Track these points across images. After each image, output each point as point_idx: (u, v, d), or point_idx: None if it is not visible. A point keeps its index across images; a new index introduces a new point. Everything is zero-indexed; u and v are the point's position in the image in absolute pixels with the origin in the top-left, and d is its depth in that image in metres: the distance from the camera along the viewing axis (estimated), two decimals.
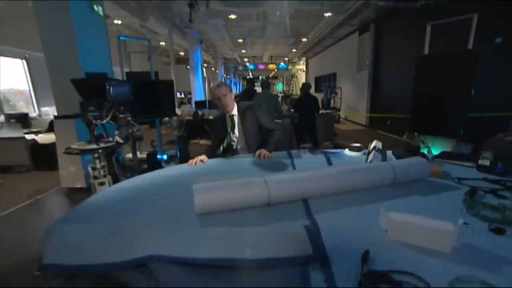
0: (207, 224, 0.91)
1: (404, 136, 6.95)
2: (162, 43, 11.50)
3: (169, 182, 1.36)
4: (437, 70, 3.30)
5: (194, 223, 0.91)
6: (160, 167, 3.92)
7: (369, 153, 1.66)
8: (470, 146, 4.04)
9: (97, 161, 2.47)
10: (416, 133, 3.66)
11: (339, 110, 10.93)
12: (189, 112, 8.03)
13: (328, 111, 8.12)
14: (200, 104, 8.00)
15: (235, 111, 2.02)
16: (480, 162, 1.43)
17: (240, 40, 11.95)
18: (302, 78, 23.18)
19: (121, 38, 3.74)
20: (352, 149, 1.87)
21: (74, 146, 2.35)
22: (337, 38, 11.32)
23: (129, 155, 5.08)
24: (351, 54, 10.16)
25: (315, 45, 13.36)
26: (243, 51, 15.36)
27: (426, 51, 3.54)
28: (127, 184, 1.38)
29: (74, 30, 3.25)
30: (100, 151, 2.39)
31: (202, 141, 6.74)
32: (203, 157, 1.78)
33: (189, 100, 11.63)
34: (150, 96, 3.79)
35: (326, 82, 14.19)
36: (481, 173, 1.41)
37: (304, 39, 11.82)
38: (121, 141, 2.50)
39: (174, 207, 1.04)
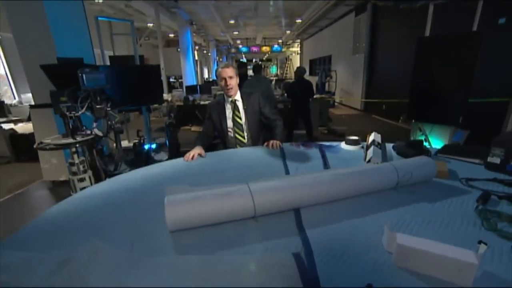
0: (180, 248, 0.76)
1: (400, 121, 6.86)
2: (150, 25, 10.91)
3: (145, 187, 1.20)
4: (438, 54, 3.12)
5: (164, 246, 0.77)
6: (148, 157, 3.75)
7: (367, 148, 1.52)
8: (466, 132, 3.96)
9: (75, 155, 2.28)
10: (413, 120, 3.53)
11: (334, 94, 10.73)
12: (180, 97, 7.75)
13: (323, 95, 7.93)
14: (191, 89, 7.70)
15: (238, 97, 1.89)
16: (489, 159, 1.30)
17: (232, 21, 11.42)
18: (296, 61, 22.69)
19: (100, 18, 3.41)
20: (349, 142, 1.73)
21: (48, 140, 2.16)
22: (332, 19, 10.91)
23: None
24: (347, 36, 9.83)
25: (310, 27, 12.89)
26: (235, 32, 14.79)
27: (427, 33, 3.34)
28: (99, 188, 1.22)
29: (44, 11, 2.93)
30: (77, 145, 2.20)
31: (193, 128, 6.54)
32: (200, 150, 1.62)
33: (181, 85, 11.24)
34: (135, 82, 3.54)
35: (321, 65, 13.86)
36: (490, 171, 1.29)
37: (299, 20, 11.37)
38: (100, 133, 2.31)
39: (144, 224, 0.89)
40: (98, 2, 6.72)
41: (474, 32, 2.98)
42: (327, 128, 6.57)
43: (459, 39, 3.01)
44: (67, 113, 2.11)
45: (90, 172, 2.45)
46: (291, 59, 24.11)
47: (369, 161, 1.34)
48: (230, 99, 1.87)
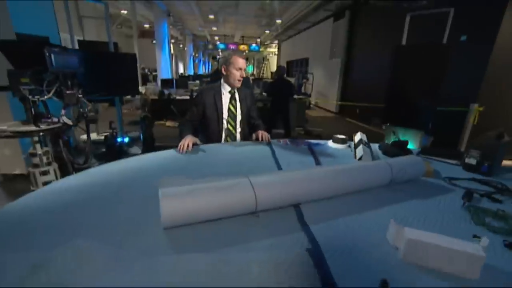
0: (178, 247, 0.69)
1: (371, 125, 7.21)
2: (124, 12, 10.28)
3: (125, 181, 1.09)
4: (412, 62, 3.31)
5: (159, 244, 0.69)
6: (121, 151, 3.51)
7: (356, 146, 1.55)
8: (431, 138, 4.27)
9: (38, 145, 2.05)
10: (388, 124, 3.71)
11: (310, 96, 10.99)
12: (154, 91, 7.41)
13: (300, 96, 8.06)
14: (166, 83, 7.40)
15: (235, 89, 1.84)
16: (466, 160, 1.39)
17: (212, 16, 11.19)
18: (273, 62, 22.94)
19: None
20: (336, 141, 1.74)
21: (3, 127, 1.90)
22: (311, 23, 11.16)
23: (84, 136, 4.50)
24: (325, 40, 10.11)
25: (289, 28, 13.08)
26: (214, 28, 14.55)
27: (404, 42, 3.54)
28: (69, 182, 1.09)
29: None
30: (41, 134, 1.97)
31: (168, 123, 6.28)
32: (194, 139, 1.54)
33: (154, 78, 10.76)
34: (107, 71, 3.28)
35: (298, 67, 14.11)
36: (466, 172, 1.38)
37: (279, 21, 11.48)
38: (69, 122, 2.09)
39: (131, 221, 0.79)
40: None
41: (442, 44, 3.21)
42: (304, 129, 6.70)
43: (430, 49, 3.21)
44: (30, 97, 1.87)
45: (55, 165, 2.22)
46: (268, 59, 24.30)
47: (360, 159, 1.36)
48: (229, 88, 1.80)
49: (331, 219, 0.86)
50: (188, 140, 1.47)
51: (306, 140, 1.81)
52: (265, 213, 0.86)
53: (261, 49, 22.01)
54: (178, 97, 6.95)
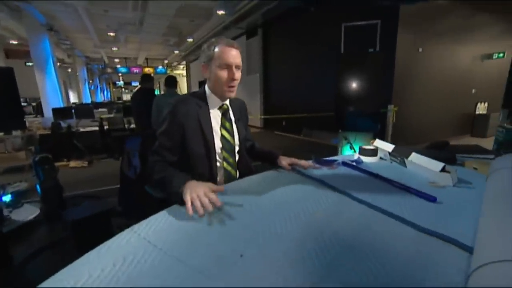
0: None
1: (302, 135, 7.53)
2: None
3: None
4: (353, 68, 3.48)
5: None
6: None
7: (404, 155, 1.24)
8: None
9: None
10: (340, 131, 3.77)
11: None
12: (43, 124, 5.61)
13: None
14: (60, 113, 5.67)
15: (227, 101, 1.18)
16: None
17: (112, 34, 9.72)
18: (183, 83, 22.10)
19: None
20: (366, 153, 1.41)
21: None
22: None
23: None
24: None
25: (198, 48, 12.80)
26: (114, 49, 12.77)
27: (342, 50, 3.72)
28: None
29: None
30: None
31: (73, 163, 4.74)
32: (212, 186, 0.83)
33: (37, 108, 8.27)
34: None
35: None
36: None
37: (190, 39, 11.02)
38: None
39: None
40: None
41: (379, 52, 3.53)
42: None
43: (367, 57, 3.47)
44: None
45: None
46: (177, 81, 23.30)
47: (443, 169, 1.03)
48: (219, 102, 1.13)
49: None
50: (202, 191, 0.77)
51: (329, 158, 1.40)
52: None
53: (168, 71, 20.91)
54: (82, 129, 5.46)
